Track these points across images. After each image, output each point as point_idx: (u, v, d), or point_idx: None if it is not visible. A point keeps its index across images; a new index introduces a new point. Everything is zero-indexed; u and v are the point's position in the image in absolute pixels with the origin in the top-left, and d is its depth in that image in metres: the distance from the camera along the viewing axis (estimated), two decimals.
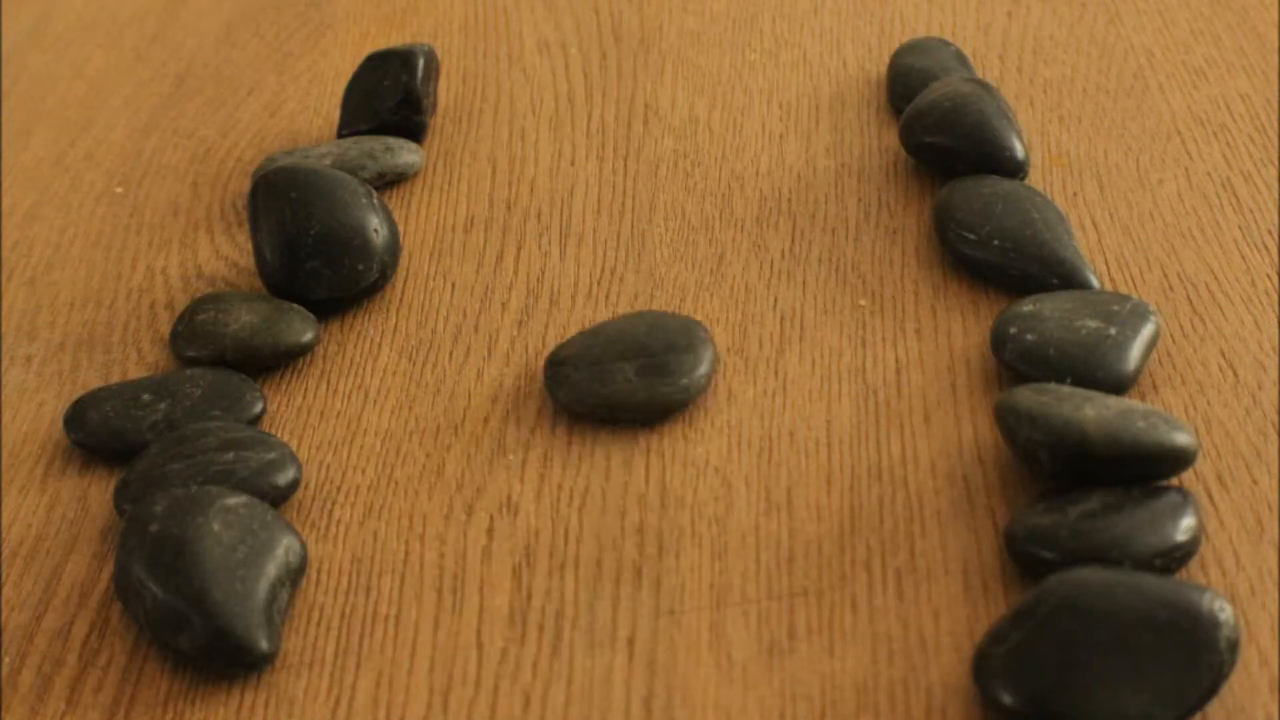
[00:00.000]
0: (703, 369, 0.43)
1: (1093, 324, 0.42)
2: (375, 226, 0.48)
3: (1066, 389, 0.40)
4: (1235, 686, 0.35)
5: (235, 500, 0.39)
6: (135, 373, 0.48)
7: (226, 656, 0.37)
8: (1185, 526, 0.37)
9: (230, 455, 0.42)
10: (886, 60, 0.57)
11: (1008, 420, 0.39)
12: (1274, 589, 0.37)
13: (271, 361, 0.47)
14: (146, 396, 0.45)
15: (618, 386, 0.43)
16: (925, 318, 0.46)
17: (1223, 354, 0.43)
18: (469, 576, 0.40)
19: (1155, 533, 0.36)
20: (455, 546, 0.41)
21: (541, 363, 0.46)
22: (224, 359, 0.46)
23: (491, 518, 0.41)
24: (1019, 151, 0.49)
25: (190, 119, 0.60)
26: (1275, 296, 0.45)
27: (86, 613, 0.40)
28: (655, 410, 0.43)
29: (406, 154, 0.54)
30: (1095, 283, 0.45)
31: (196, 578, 0.37)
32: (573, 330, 0.47)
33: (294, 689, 0.38)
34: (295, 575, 0.39)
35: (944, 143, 0.50)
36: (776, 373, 0.45)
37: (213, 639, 0.37)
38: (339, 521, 0.42)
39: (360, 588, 0.40)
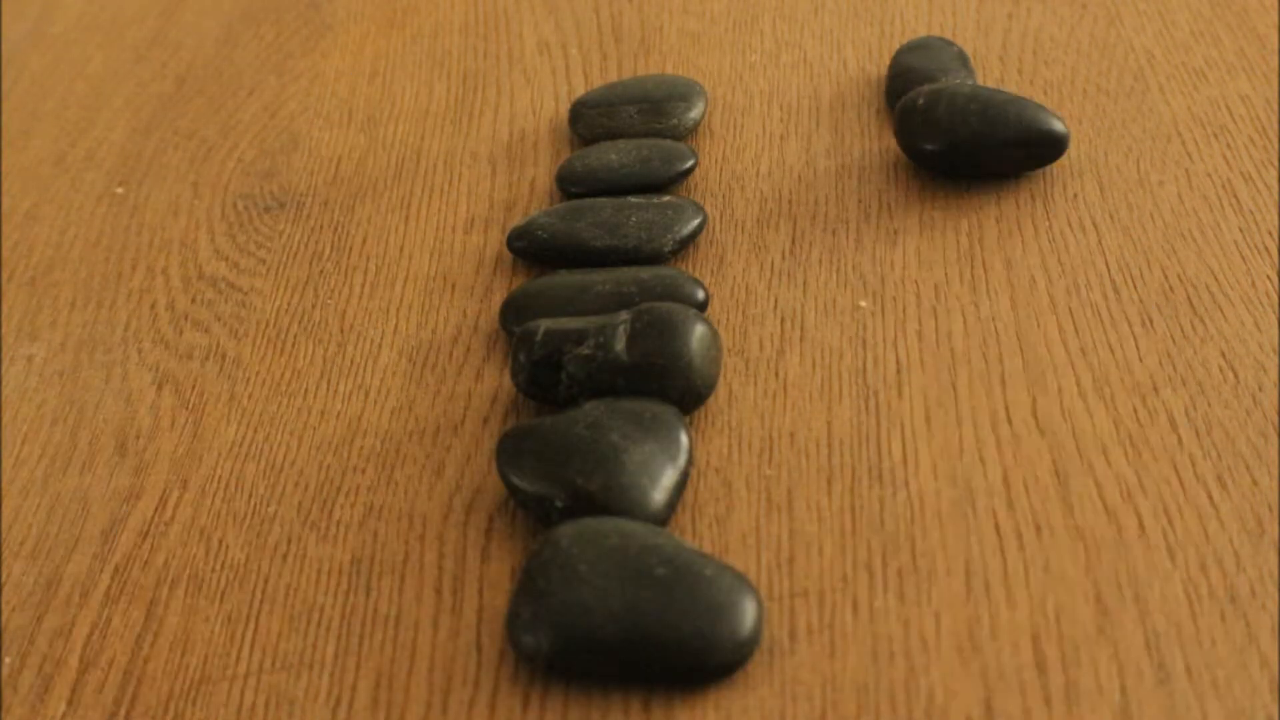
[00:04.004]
0: (694, 113, 0.54)
1: None
2: None
3: None
4: (1236, 688, 0.35)
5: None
6: (136, 373, 0.48)
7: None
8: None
9: None
10: (887, 61, 0.57)
11: None
12: (1274, 590, 0.37)
13: None
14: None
15: (622, 121, 0.53)
16: (926, 319, 0.46)
17: (1223, 355, 0.43)
18: (469, 576, 0.40)
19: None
20: (455, 546, 0.41)
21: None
22: None
23: (491, 518, 0.41)
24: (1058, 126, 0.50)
25: (190, 119, 0.60)
26: (1275, 298, 0.45)
27: (87, 613, 0.40)
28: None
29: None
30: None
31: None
32: None
33: (294, 689, 0.38)
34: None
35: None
36: (777, 373, 0.45)
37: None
38: (339, 522, 0.42)
39: (360, 588, 0.40)
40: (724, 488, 0.41)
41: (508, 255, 0.50)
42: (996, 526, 0.39)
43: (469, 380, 0.46)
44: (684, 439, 0.41)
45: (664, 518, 0.39)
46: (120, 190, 0.57)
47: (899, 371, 0.44)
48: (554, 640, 0.36)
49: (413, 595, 0.40)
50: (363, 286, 0.50)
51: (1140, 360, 0.43)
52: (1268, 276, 0.46)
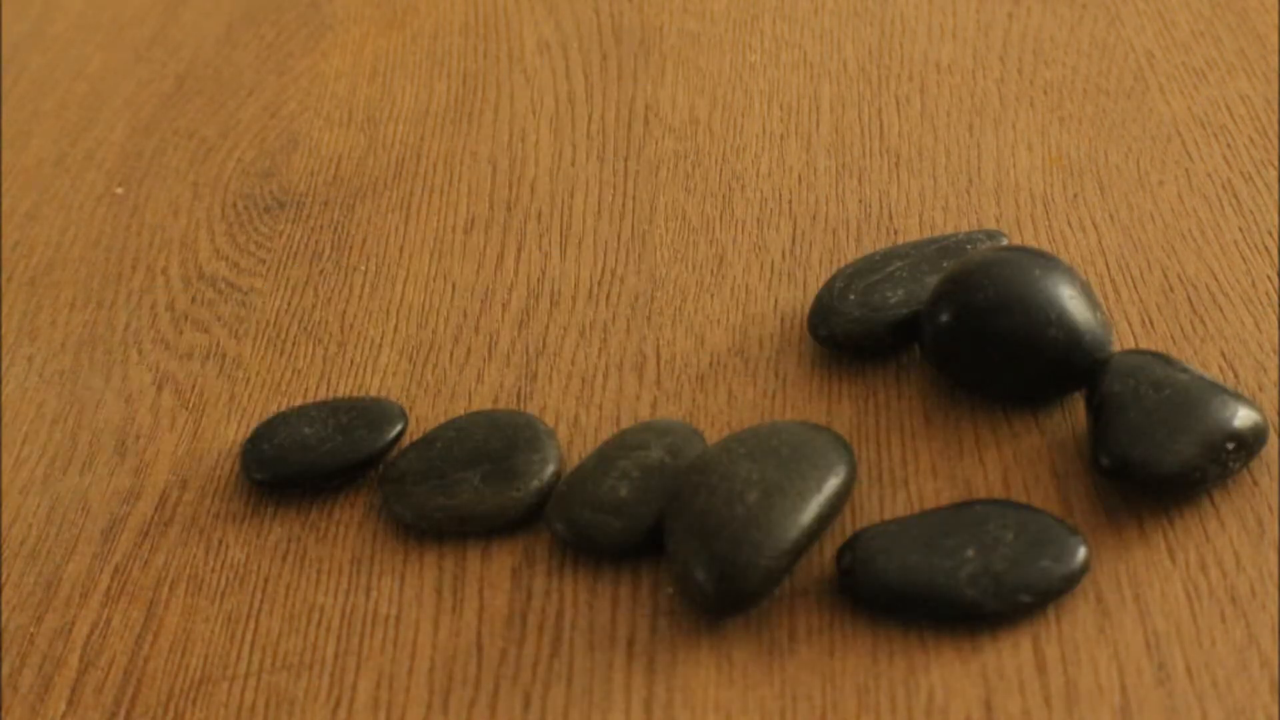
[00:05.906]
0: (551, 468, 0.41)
1: None
2: None
3: None
4: (1236, 688, 0.35)
5: None
6: (136, 373, 0.48)
7: None
8: None
9: None
10: (887, 61, 0.57)
11: None
12: (1275, 590, 0.37)
13: None
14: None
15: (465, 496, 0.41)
16: None
17: (1223, 355, 0.43)
18: (469, 576, 0.40)
19: None
20: (455, 546, 0.41)
21: (541, 364, 0.46)
22: None
23: None
24: None
25: (190, 119, 0.60)
26: (1275, 298, 0.45)
27: (87, 613, 0.40)
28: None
29: None
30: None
31: None
32: (572, 331, 0.47)
33: (294, 689, 0.38)
34: None
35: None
36: (776, 373, 0.45)
37: None
38: (339, 522, 0.42)
39: (360, 588, 0.40)
40: None
41: (508, 254, 0.50)
42: None
43: (470, 380, 0.46)
44: None
45: None
46: (120, 190, 0.57)
47: (899, 371, 0.44)
48: None
49: (413, 595, 0.40)
50: (363, 286, 0.50)
51: None
52: (1268, 276, 0.46)
